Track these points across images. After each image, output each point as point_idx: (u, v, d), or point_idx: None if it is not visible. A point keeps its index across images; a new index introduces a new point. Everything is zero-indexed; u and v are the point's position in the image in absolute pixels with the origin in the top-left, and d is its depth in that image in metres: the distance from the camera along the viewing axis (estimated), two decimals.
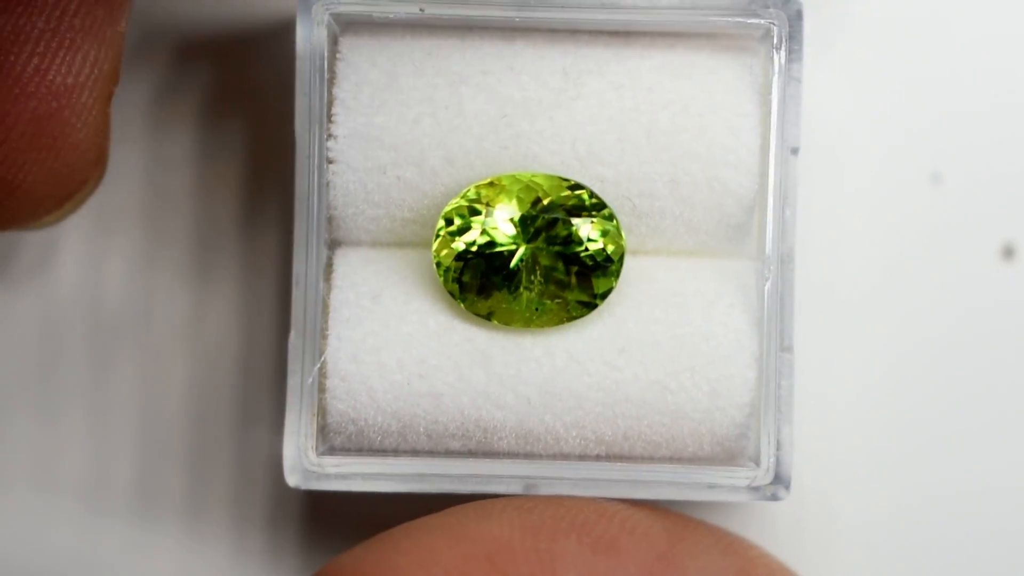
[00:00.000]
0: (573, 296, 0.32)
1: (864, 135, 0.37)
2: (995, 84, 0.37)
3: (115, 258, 0.36)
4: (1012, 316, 0.36)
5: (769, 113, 0.32)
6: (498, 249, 0.32)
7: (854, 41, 0.37)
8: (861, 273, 0.36)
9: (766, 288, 0.32)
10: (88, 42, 0.31)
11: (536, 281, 0.32)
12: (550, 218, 0.32)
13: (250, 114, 0.36)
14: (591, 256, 0.32)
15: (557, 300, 0.32)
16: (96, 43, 0.31)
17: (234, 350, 0.36)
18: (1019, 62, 0.37)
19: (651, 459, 0.33)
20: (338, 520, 0.36)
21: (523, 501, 0.31)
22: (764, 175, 0.33)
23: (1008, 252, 0.35)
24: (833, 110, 0.37)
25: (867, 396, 0.36)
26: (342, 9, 0.32)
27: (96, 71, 0.31)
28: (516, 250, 0.32)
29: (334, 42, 0.33)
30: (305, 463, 0.32)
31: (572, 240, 0.32)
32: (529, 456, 0.33)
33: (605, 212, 0.32)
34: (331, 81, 0.32)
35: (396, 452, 0.33)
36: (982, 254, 0.36)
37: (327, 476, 0.32)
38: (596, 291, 0.32)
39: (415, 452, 0.33)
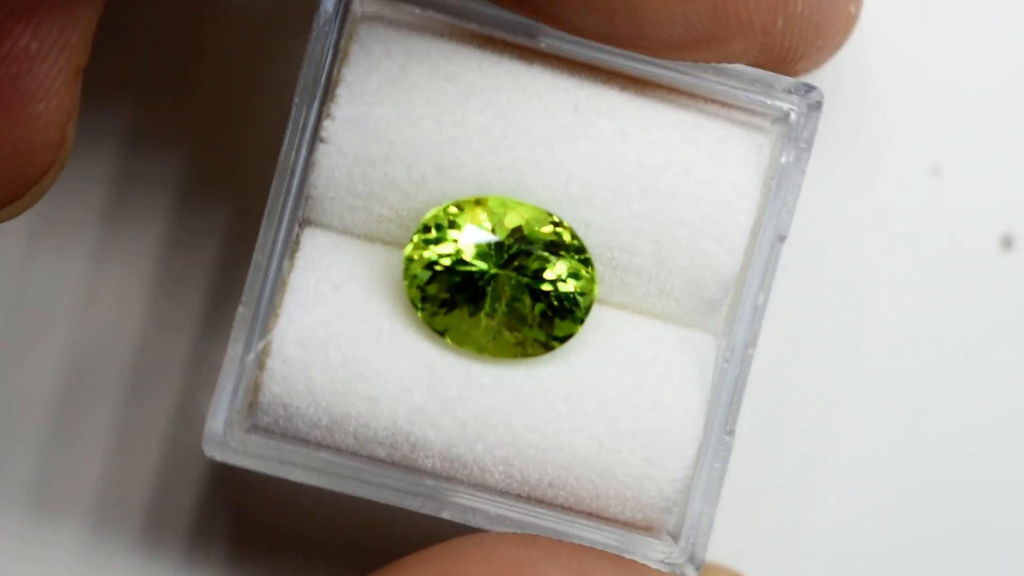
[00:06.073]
0: (532, 334, 0.31)
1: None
2: (995, 73, 0.36)
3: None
4: (1011, 307, 0.36)
5: (767, 196, 0.32)
6: (467, 268, 0.31)
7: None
8: (850, 266, 0.36)
9: (726, 370, 0.32)
10: (56, 8, 0.29)
11: (499, 310, 0.31)
12: (526, 248, 0.31)
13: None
14: (559, 296, 0.31)
15: (515, 333, 0.31)
16: (64, 10, 0.29)
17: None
18: (1016, 49, 0.36)
19: (571, 511, 0.32)
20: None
21: (484, 538, 0.30)
22: (748, 257, 0.32)
23: (1007, 243, 0.35)
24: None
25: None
26: None
27: (63, 40, 0.29)
28: (485, 273, 0.31)
29: (354, 23, 0.32)
30: (228, 437, 0.31)
31: (543, 276, 0.31)
32: (451, 481, 0.32)
33: (583, 256, 0.31)
34: (342, 60, 0.32)
35: (320, 446, 0.32)
36: (981, 245, 0.36)
37: (246, 454, 0.31)
38: (556, 333, 0.31)
39: (339, 450, 0.32)
